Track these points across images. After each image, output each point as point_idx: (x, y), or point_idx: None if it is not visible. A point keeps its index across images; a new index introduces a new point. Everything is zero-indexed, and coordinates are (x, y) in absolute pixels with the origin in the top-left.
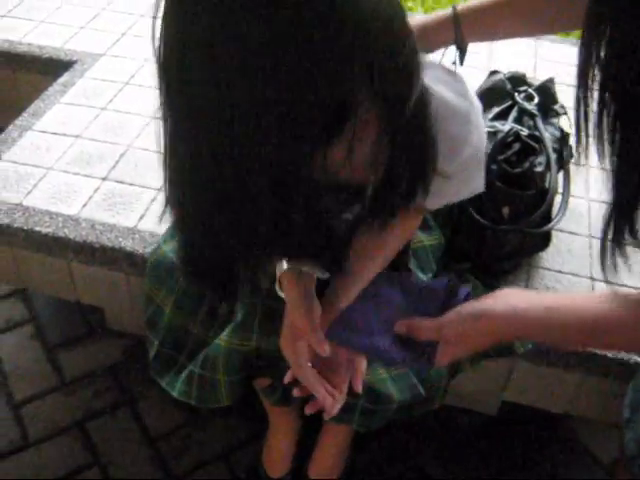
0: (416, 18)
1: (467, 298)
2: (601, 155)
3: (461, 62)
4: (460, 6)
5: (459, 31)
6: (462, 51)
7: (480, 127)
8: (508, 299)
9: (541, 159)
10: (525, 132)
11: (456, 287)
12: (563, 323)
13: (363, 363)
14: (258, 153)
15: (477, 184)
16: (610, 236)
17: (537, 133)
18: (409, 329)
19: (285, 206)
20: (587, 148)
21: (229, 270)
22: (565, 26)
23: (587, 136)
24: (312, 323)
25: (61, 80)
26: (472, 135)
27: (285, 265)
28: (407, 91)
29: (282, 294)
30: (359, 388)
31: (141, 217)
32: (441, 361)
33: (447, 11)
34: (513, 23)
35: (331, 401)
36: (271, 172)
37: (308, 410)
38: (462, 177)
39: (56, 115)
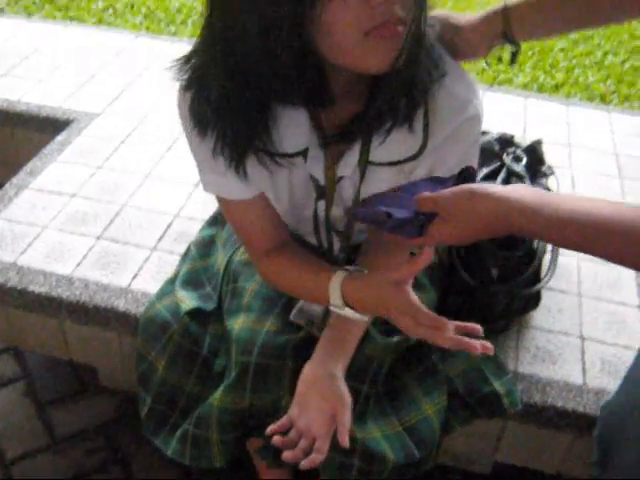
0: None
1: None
2: None
3: (513, 61)
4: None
5: (508, 23)
6: (514, 46)
7: (481, 106)
8: (510, 187)
9: None
10: None
11: (470, 176)
12: (564, 221)
13: (347, 416)
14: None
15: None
16: None
17: None
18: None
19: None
20: None
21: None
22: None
23: None
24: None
25: (58, 139)
26: (475, 101)
27: (339, 283)
28: None
29: (352, 313)
30: (345, 441)
31: (134, 276)
32: (430, 234)
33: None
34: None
35: None
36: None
37: (285, 457)
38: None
39: (52, 174)
